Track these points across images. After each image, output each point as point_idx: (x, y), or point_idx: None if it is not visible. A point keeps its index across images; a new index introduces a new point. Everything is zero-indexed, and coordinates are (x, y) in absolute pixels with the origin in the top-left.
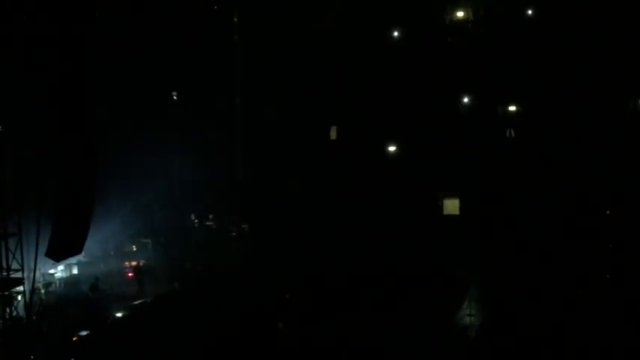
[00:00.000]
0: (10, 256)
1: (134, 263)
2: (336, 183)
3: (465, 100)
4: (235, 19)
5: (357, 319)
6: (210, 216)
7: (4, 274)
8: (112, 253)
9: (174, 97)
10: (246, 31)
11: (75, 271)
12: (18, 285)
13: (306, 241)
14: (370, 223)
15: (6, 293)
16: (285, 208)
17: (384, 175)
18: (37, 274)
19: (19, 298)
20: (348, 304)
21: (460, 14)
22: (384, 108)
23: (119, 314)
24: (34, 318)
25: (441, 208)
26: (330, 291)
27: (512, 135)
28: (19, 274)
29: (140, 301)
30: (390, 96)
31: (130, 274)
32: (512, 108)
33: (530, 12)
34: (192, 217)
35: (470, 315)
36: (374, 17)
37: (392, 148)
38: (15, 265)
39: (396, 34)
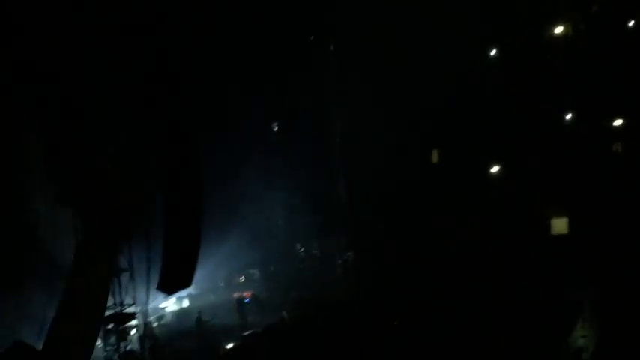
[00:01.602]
0: (123, 291)
1: (243, 294)
2: (440, 207)
3: (569, 116)
4: (332, 47)
5: (468, 342)
6: (315, 244)
7: (119, 309)
8: (222, 284)
9: (275, 127)
10: (344, 56)
11: (185, 303)
12: (131, 319)
13: (411, 267)
14: (477, 247)
15: (120, 327)
16: (389, 234)
17: (489, 198)
18: (149, 308)
19: (133, 332)
20: (458, 327)
21: (559, 30)
22: (486, 129)
23: (229, 345)
24: (147, 351)
25: (549, 228)
26: (438, 316)
27: (620, 150)
28: (132, 309)
29: (250, 331)
30: (491, 116)
31: (238, 305)
32: (617, 122)
33: (631, 24)
34: (298, 245)
35: (584, 336)
36: (471, 38)
37: (495, 169)
38: (127, 301)
39: (493, 53)
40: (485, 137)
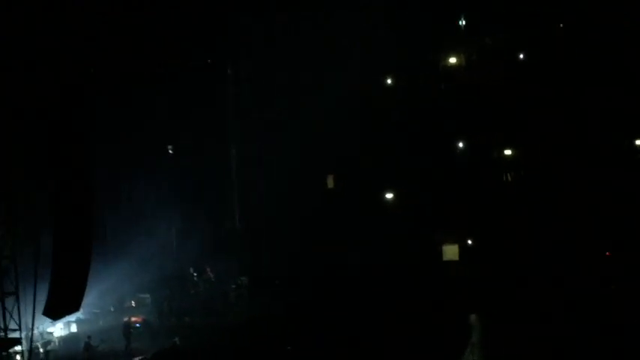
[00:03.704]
0: (8, 315)
1: (133, 319)
2: (334, 231)
3: (460, 144)
4: (229, 70)
5: None
6: (208, 268)
7: (2, 334)
8: (112, 309)
9: (169, 150)
10: (241, 79)
11: (73, 329)
12: (16, 345)
13: (306, 291)
14: (369, 271)
15: (4, 353)
16: (284, 258)
17: (382, 223)
18: (36, 332)
19: (18, 358)
20: (351, 351)
21: (452, 60)
22: (379, 155)
23: None
24: None
25: (440, 254)
26: (332, 339)
27: (509, 179)
28: (17, 334)
29: (139, 358)
30: (384, 142)
31: (128, 330)
32: (508, 152)
33: (522, 56)
34: (191, 269)
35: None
36: (368, 66)
37: (389, 195)
38: (13, 325)
39: (389, 81)
40: (380, 164)
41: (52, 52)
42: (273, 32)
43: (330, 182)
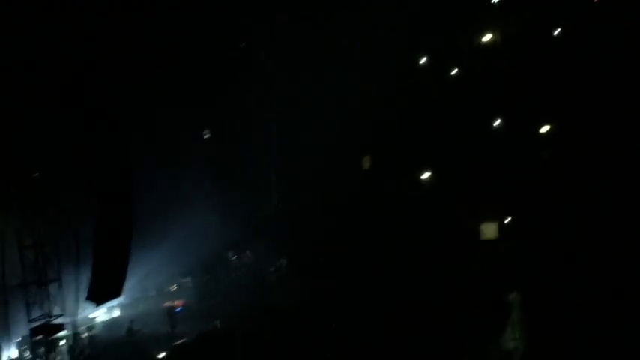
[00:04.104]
0: (52, 302)
1: (174, 303)
2: (373, 213)
3: (496, 123)
4: (263, 54)
5: (401, 346)
6: (247, 252)
7: (47, 320)
8: (153, 293)
9: (206, 135)
10: (276, 62)
11: (116, 313)
12: (60, 330)
13: (344, 273)
14: (409, 251)
15: (49, 339)
16: (323, 239)
17: (419, 203)
18: (79, 318)
19: (62, 343)
20: (393, 332)
21: (488, 37)
22: (415, 135)
23: (160, 355)
24: None
25: (479, 233)
26: (374, 321)
27: (548, 156)
28: (60, 320)
29: (181, 340)
30: (420, 122)
31: (169, 314)
32: (546, 129)
33: (557, 33)
34: (230, 253)
35: (514, 339)
36: (400, 45)
37: (425, 175)
38: (56, 311)
39: (423, 59)
40: (416, 143)
41: (87, 36)
42: (305, 11)
43: (367, 163)
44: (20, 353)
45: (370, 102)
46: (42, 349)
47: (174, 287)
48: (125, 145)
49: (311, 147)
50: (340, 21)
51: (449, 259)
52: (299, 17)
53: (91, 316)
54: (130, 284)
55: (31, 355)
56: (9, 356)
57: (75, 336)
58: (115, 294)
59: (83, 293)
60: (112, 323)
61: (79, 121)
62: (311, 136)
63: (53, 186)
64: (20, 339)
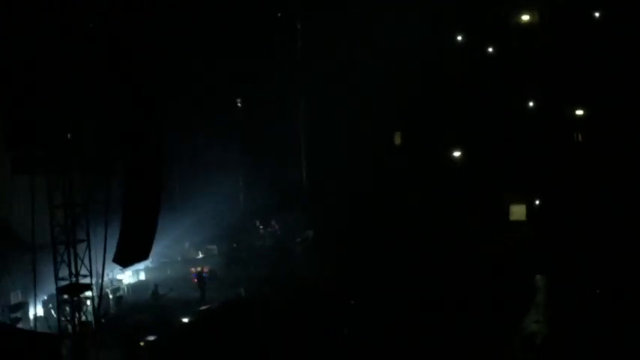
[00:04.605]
0: (79, 262)
1: (199, 269)
2: (401, 189)
3: (531, 103)
4: (299, 25)
5: (422, 324)
6: (274, 221)
7: (74, 279)
8: (179, 258)
9: (238, 102)
10: (310, 34)
11: (142, 276)
12: (86, 290)
13: (371, 248)
14: (435, 228)
15: (75, 299)
16: (350, 213)
17: (449, 181)
18: (105, 279)
19: (88, 303)
20: (414, 309)
21: (526, 17)
22: (449, 112)
23: (185, 319)
24: (102, 322)
25: (507, 214)
26: (395, 296)
27: (580, 138)
28: (87, 280)
29: (206, 306)
30: (455, 100)
31: (195, 280)
32: (579, 112)
33: (597, 14)
34: (257, 222)
35: (537, 321)
36: (436, 21)
37: (457, 153)
38: (83, 272)
39: (459, 37)
40: (447, 122)
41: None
42: None
43: (398, 139)
44: (46, 311)
45: (403, 78)
46: (67, 309)
47: (200, 254)
48: (158, 109)
49: (342, 120)
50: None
51: (475, 238)
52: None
53: (117, 277)
54: (157, 249)
55: (57, 314)
56: (34, 314)
57: (101, 296)
58: (142, 257)
59: (110, 255)
60: (137, 286)
61: (112, 82)
62: (342, 109)
63: (85, 147)
64: (46, 297)
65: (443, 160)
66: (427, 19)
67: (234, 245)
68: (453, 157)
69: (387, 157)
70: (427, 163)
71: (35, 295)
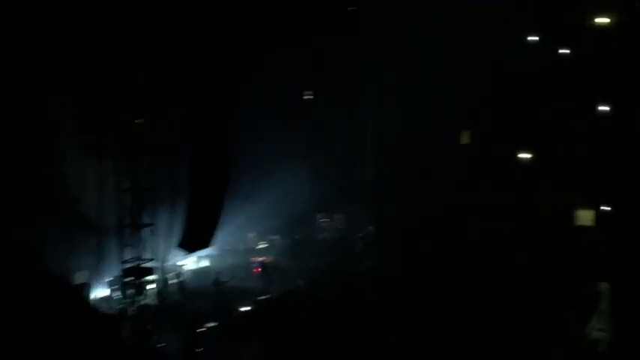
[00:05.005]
0: (144, 246)
1: (261, 259)
2: (465, 189)
3: (606, 107)
4: (367, 20)
5: (484, 327)
6: (337, 215)
7: (138, 263)
8: (242, 247)
9: (307, 96)
10: (378, 30)
11: (204, 263)
12: (150, 274)
13: (434, 246)
14: (497, 230)
15: (137, 281)
16: (413, 211)
17: (515, 182)
18: (168, 264)
19: (151, 286)
20: (472, 316)
21: (603, 19)
22: (517, 113)
23: (245, 308)
24: (162, 307)
25: (573, 218)
26: (454, 297)
27: None
28: (150, 264)
29: (266, 296)
30: (524, 101)
31: (256, 270)
32: None
33: None
34: (321, 215)
35: (600, 329)
36: (508, 18)
37: (524, 155)
38: (148, 256)
39: (533, 37)
40: (515, 123)
41: None
42: None
43: (465, 138)
44: (110, 292)
45: (473, 76)
46: (131, 291)
47: (263, 244)
48: (225, 97)
49: (409, 118)
50: None
51: (538, 242)
52: None
53: (179, 263)
54: (220, 237)
55: (120, 295)
56: (95, 295)
57: (164, 281)
58: (206, 244)
59: (174, 240)
60: (199, 273)
61: (180, 69)
62: (410, 107)
63: (153, 132)
64: (112, 279)
65: (509, 160)
66: (499, 16)
67: (296, 237)
68: (520, 157)
69: (452, 155)
70: (493, 164)
71: (99, 277)
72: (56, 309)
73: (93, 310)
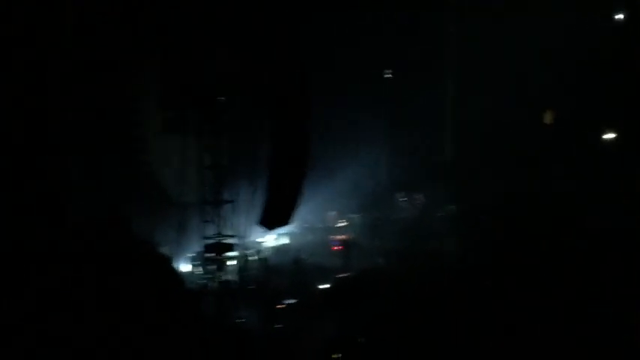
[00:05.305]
0: (225, 222)
1: (340, 237)
2: (551, 173)
3: None
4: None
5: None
6: (417, 195)
7: (219, 239)
8: (321, 225)
9: (387, 75)
10: (463, 12)
11: (284, 241)
12: (231, 250)
13: (512, 236)
14: (585, 221)
15: (218, 257)
16: (495, 191)
17: (602, 172)
18: (248, 241)
19: (231, 263)
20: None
21: None
22: (605, 96)
23: (323, 286)
24: (244, 282)
25: None
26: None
27: None
28: (231, 241)
29: (345, 274)
30: (612, 84)
31: (335, 248)
32: None
33: None
34: (401, 194)
35: None
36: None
37: (610, 136)
38: (228, 232)
39: (617, 16)
40: (602, 106)
41: None
42: None
43: (548, 117)
44: (192, 268)
45: (559, 58)
46: (212, 267)
47: (342, 222)
48: (305, 74)
49: (490, 96)
50: None
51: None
52: None
53: (259, 240)
54: (300, 215)
55: (202, 271)
56: (178, 270)
57: (244, 257)
58: (286, 221)
59: (255, 217)
60: (279, 250)
61: (262, 46)
62: (491, 86)
63: (235, 109)
64: (193, 254)
65: (596, 145)
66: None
67: (376, 216)
68: (608, 141)
69: (536, 136)
70: (579, 147)
71: (181, 252)
72: (146, 278)
73: (180, 281)
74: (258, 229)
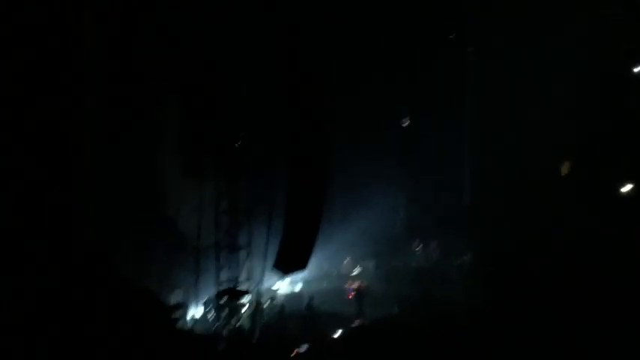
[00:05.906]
0: (240, 267)
1: (355, 285)
2: (569, 219)
3: None
4: (469, 48)
5: None
6: (434, 242)
7: (234, 284)
8: (335, 272)
9: (403, 124)
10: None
11: (298, 287)
12: (245, 296)
13: (535, 277)
14: (604, 272)
15: (232, 303)
16: (513, 240)
17: (622, 217)
18: (262, 287)
19: (244, 309)
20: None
21: None
22: (628, 146)
23: (337, 334)
24: (257, 330)
25: None
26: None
27: None
28: (245, 287)
29: (359, 322)
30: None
31: (350, 295)
32: None
33: None
34: (415, 242)
35: None
36: (611, 49)
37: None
38: (243, 277)
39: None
40: (623, 156)
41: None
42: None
43: (565, 169)
44: (205, 313)
45: (580, 104)
46: (225, 312)
47: (357, 269)
48: (323, 120)
49: (507, 146)
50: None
51: None
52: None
53: (273, 287)
54: (314, 261)
55: (215, 315)
56: (193, 315)
57: (258, 303)
58: (302, 265)
59: (269, 263)
60: (293, 296)
61: (278, 92)
62: (508, 134)
63: (251, 154)
64: (206, 299)
65: (616, 195)
66: (607, 42)
67: (391, 263)
68: (625, 192)
69: (553, 186)
70: (596, 199)
71: (196, 296)
72: (148, 331)
73: (186, 333)
74: (273, 275)
